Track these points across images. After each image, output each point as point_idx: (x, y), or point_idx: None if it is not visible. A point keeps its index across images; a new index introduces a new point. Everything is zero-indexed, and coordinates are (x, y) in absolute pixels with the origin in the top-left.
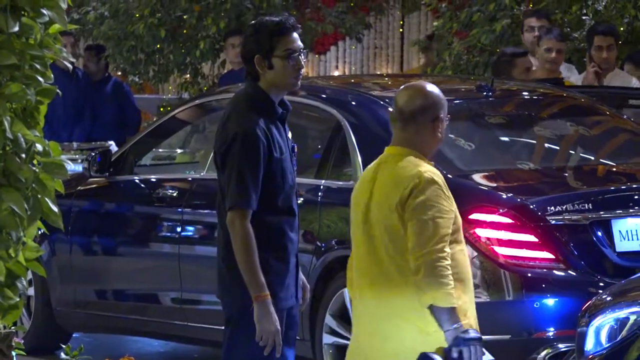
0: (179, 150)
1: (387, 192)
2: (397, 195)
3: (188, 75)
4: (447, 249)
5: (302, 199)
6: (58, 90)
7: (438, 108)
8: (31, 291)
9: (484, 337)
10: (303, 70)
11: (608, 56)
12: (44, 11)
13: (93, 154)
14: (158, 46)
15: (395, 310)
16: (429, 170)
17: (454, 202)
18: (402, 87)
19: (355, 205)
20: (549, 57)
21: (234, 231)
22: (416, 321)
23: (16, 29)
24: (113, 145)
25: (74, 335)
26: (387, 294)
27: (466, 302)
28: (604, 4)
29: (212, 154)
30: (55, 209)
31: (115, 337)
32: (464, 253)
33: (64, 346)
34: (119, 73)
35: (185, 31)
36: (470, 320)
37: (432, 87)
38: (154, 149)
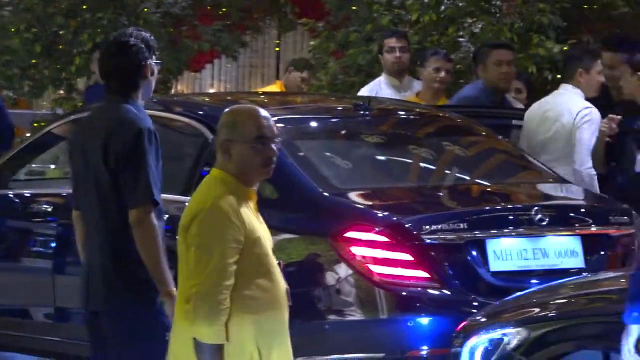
0: (52, 166)
1: (183, 216)
2: (184, 221)
3: (63, 91)
4: (227, 282)
5: (168, 215)
6: None
7: (229, 129)
8: None
9: (358, 355)
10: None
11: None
12: None
13: None
14: (33, 61)
15: (179, 334)
16: (218, 196)
17: (252, 231)
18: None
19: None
20: (437, 77)
21: (146, 228)
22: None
23: None
24: None
25: None
26: (176, 317)
27: (248, 333)
28: (480, 26)
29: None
30: None
31: None
32: (271, 285)
33: None
34: None
35: (61, 47)
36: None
37: (248, 109)
38: (28, 165)
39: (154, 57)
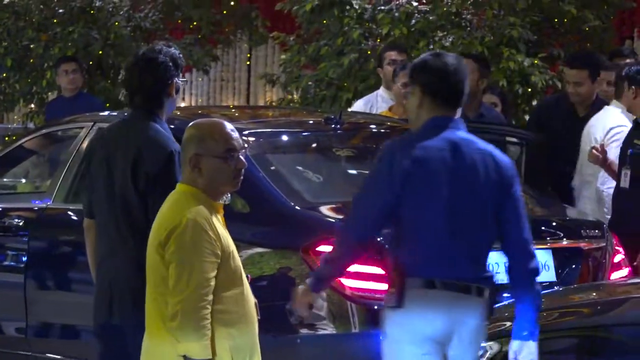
0: (22, 180)
1: (154, 232)
2: (158, 237)
3: (34, 105)
4: (208, 296)
5: None
6: None
7: (195, 143)
8: None
9: None
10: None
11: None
12: None
13: None
14: (4, 75)
15: (155, 353)
16: (193, 211)
17: (226, 245)
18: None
19: (149, 241)
20: (404, 91)
21: None
22: None
23: None
24: None
25: None
26: (149, 336)
27: (222, 347)
28: (450, 40)
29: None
30: None
31: None
32: (241, 297)
33: None
34: None
35: (31, 60)
36: None
37: (213, 123)
38: None
39: (180, 74)
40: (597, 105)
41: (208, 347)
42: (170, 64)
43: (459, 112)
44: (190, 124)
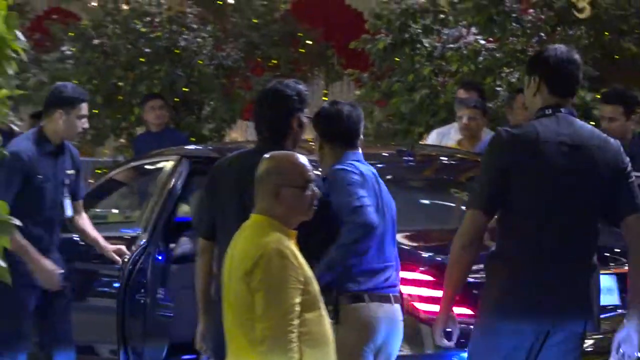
0: (114, 210)
1: (238, 261)
2: (244, 266)
3: (123, 139)
4: (295, 321)
5: None
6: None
7: (283, 174)
8: None
9: None
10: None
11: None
12: None
13: None
14: (95, 111)
15: None
16: (275, 240)
17: (306, 270)
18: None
19: (224, 268)
20: (461, 124)
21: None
22: None
23: None
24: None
25: None
26: (236, 358)
27: None
28: (517, 75)
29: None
30: (3, 264)
31: None
32: (322, 319)
33: None
34: None
35: (120, 97)
36: None
37: (290, 156)
38: (91, 209)
39: (305, 109)
40: (636, 142)
41: None
42: (296, 98)
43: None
44: (267, 156)
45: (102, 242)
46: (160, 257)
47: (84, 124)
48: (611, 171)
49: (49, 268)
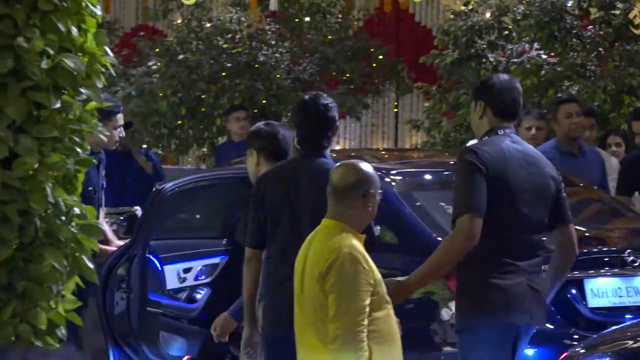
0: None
1: (313, 264)
2: (318, 268)
3: (206, 149)
4: (365, 321)
5: None
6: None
7: (367, 184)
8: None
9: None
10: None
11: (591, 134)
12: (82, 90)
13: (122, 218)
14: (179, 122)
15: None
16: (348, 245)
17: (375, 273)
18: (336, 165)
19: (295, 269)
20: (529, 135)
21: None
22: None
23: (58, 105)
24: (139, 210)
25: None
26: (307, 356)
27: None
28: (576, 88)
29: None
30: (91, 265)
31: None
32: (389, 318)
33: None
34: (144, 146)
35: (203, 109)
36: None
37: (364, 165)
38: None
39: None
40: None
41: None
42: (336, 110)
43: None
44: (346, 165)
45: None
46: None
47: (120, 132)
48: (554, 185)
49: None
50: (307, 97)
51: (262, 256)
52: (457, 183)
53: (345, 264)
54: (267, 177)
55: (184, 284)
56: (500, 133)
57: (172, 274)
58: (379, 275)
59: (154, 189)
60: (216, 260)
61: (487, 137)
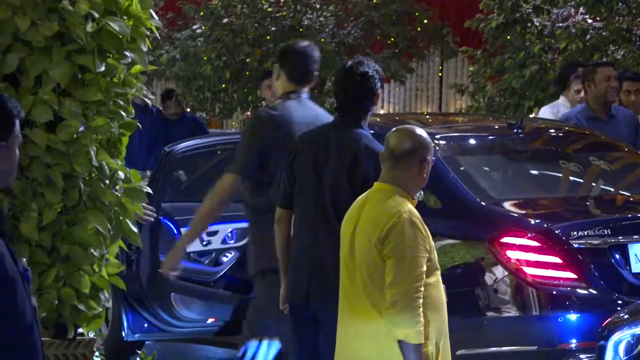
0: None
1: (369, 228)
2: (377, 233)
3: (249, 113)
4: (422, 287)
5: None
6: (138, 124)
7: (426, 151)
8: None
9: (514, 347)
10: None
11: (636, 99)
12: (127, 53)
13: None
14: (223, 86)
15: (364, 339)
16: (407, 210)
17: (430, 239)
18: (393, 129)
19: (343, 233)
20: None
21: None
22: (383, 352)
23: (102, 69)
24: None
25: (146, 342)
26: (359, 322)
27: (430, 330)
28: (622, 53)
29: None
30: (135, 229)
31: (184, 345)
32: (439, 284)
33: (139, 352)
34: (188, 110)
35: (247, 73)
36: (430, 347)
37: (421, 131)
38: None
39: (382, 86)
40: None
41: (422, 332)
42: (377, 77)
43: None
44: (404, 131)
45: None
46: None
47: None
48: None
49: None
50: (347, 64)
51: (292, 217)
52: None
53: (406, 229)
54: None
55: (209, 247)
56: (293, 97)
57: None
58: (432, 242)
59: (163, 151)
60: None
61: (279, 100)
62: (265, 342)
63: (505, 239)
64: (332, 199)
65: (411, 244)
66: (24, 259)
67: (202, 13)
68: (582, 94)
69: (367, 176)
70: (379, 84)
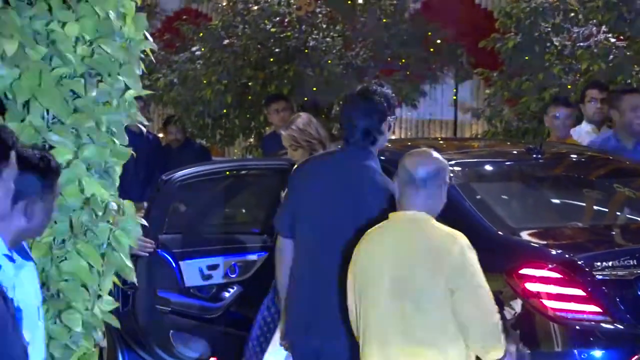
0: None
1: (429, 259)
2: (439, 265)
3: (252, 139)
4: None
5: None
6: (133, 152)
7: (446, 173)
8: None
9: None
10: None
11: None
12: (120, 77)
13: None
14: (224, 111)
15: None
16: (460, 234)
17: None
18: (408, 153)
19: (368, 269)
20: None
21: None
22: None
23: (94, 94)
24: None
25: None
26: (411, 352)
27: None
28: None
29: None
30: (129, 263)
31: None
32: None
33: None
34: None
35: (250, 97)
36: None
37: (436, 153)
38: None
39: (393, 113)
40: None
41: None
42: (385, 104)
43: None
44: (422, 155)
45: None
46: None
47: None
48: None
49: None
50: (353, 91)
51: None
52: None
53: (468, 256)
54: (302, 167)
55: (209, 282)
56: None
57: (192, 270)
58: None
59: (160, 179)
60: (253, 257)
61: None
62: None
63: (524, 271)
64: (334, 232)
65: (476, 267)
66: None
67: (201, 34)
68: (598, 104)
69: (371, 211)
70: (389, 112)
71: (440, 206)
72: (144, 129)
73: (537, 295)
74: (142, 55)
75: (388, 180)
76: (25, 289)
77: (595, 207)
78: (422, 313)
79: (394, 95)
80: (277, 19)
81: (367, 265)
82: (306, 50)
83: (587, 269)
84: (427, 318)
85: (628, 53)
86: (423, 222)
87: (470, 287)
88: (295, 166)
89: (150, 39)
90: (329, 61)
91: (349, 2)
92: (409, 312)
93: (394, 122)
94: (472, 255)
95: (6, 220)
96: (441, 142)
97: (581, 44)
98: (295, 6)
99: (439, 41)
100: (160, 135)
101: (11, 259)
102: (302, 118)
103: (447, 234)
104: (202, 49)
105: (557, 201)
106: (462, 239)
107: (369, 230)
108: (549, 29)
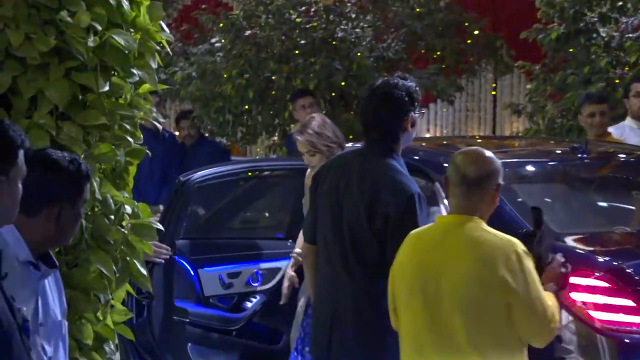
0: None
1: (483, 268)
2: (496, 273)
3: (276, 137)
4: None
5: None
6: (148, 151)
7: (500, 174)
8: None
9: None
10: None
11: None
12: (134, 71)
13: None
14: (246, 107)
15: None
16: (514, 240)
17: None
18: (460, 151)
19: (412, 275)
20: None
21: None
22: None
23: (106, 88)
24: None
25: None
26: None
27: None
28: None
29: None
30: (143, 271)
31: None
32: None
33: None
34: (207, 134)
35: (273, 92)
36: None
37: (489, 153)
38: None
39: (416, 108)
40: None
41: None
42: (406, 98)
43: None
44: (476, 154)
45: None
46: None
47: None
48: None
49: None
50: (373, 84)
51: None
52: None
53: (525, 261)
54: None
55: (230, 291)
56: None
57: (211, 278)
58: None
59: (177, 180)
60: (277, 264)
61: None
62: None
63: (569, 280)
64: (351, 239)
65: (535, 276)
66: (24, 308)
67: (221, 25)
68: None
69: (387, 213)
70: (411, 107)
71: (491, 210)
72: (160, 127)
73: (584, 305)
74: (158, 47)
75: (410, 179)
76: (48, 300)
77: None
78: (472, 325)
79: (417, 88)
80: (303, 8)
81: (408, 271)
82: (334, 42)
83: (636, 278)
84: (478, 330)
85: None
86: (474, 227)
87: (528, 300)
88: (312, 172)
89: (167, 29)
90: (359, 53)
91: None
92: (457, 324)
93: (420, 117)
94: (529, 264)
95: (32, 226)
96: (479, 140)
97: (630, 35)
98: None
99: (476, 32)
100: (177, 133)
101: (36, 267)
102: (316, 120)
103: (501, 240)
104: (222, 41)
105: (603, 204)
106: (518, 246)
107: (412, 232)
108: (595, 19)
